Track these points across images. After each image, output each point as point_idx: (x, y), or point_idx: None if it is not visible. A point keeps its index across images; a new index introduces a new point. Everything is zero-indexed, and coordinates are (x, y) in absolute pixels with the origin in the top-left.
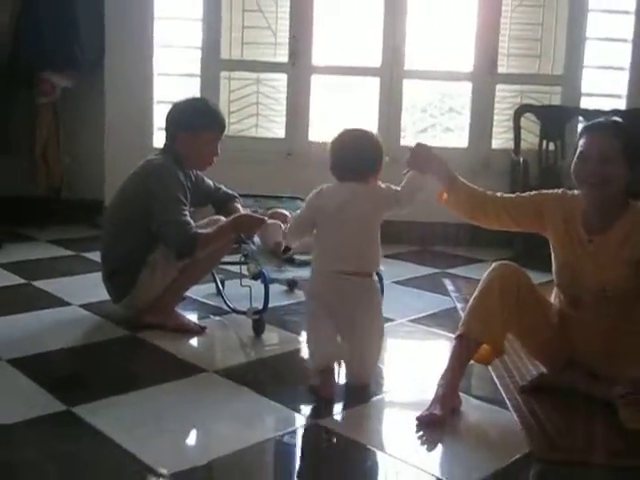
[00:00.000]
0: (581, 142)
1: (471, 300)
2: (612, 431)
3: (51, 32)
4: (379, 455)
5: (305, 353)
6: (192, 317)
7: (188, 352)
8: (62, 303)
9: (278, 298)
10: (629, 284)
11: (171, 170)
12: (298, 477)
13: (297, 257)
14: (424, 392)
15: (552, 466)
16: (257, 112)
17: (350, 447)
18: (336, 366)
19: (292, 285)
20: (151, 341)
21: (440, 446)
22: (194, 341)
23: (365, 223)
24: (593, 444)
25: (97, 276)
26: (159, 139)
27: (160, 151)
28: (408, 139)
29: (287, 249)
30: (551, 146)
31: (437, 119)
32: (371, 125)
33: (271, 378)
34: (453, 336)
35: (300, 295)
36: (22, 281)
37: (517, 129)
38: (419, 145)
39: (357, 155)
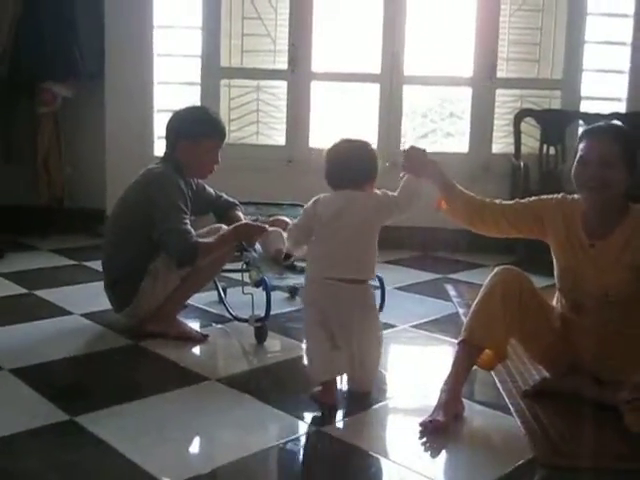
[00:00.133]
0: (581, 146)
1: (473, 305)
2: (616, 436)
3: (52, 42)
4: (382, 462)
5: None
6: (194, 325)
7: (190, 360)
8: (64, 312)
9: (280, 305)
10: (631, 288)
11: (172, 178)
12: None
13: (298, 264)
14: (427, 398)
15: (556, 471)
16: (257, 119)
17: (353, 454)
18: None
19: (294, 292)
20: (153, 350)
21: (443, 452)
22: (196, 349)
23: (361, 230)
24: (597, 449)
25: (99, 285)
26: (160, 148)
27: (161, 160)
28: (408, 145)
29: (288, 256)
30: (551, 150)
31: (437, 124)
32: (371, 131)
33: (274, 385)
34: (455, 342)
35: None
36: (24, 291)
37: (517, 133)
38: (413, 148)
39: (353, 165)
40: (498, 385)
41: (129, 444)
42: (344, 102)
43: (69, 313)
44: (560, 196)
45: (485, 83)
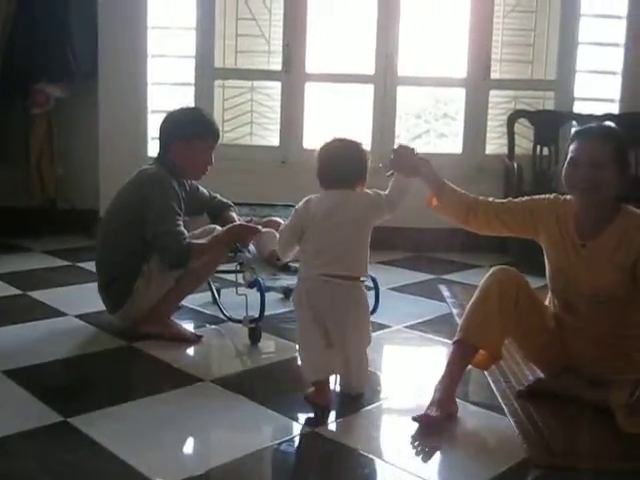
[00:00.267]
0: (572, 147)
1: (469, 305)
2: (609, 436)
3: (45, 42)
4: (377, 462)
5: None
6: (188, 326)
7: (184, 361)
8: (58, 314)
9: (274, 306)
10: (622, 289)
11: (166, 179)
12: None
13: (292, 264)
14: (421, 398)
15: (549, 472)
16: (251, 120)
17: (347, 455)
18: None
19: (287, 293)
20: (147, 351)
21: (437, 453)
22: (190, 350)
23: (354, 228)
24: (590, 449)
25: (93, 286)
26: (153, 148)
27: (154, 160)
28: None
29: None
30: (545, 151)
31: (431, 125)
32: (365, 132)
33: (268, 386)
34: (449, 342)
35: None
36: (17, 292)
37: (511, 134)
38: (402, 147)
39: (345, 165)
40: (492, 386)
41: (123, 445)
42: (338, 103)
43: (63, 314)
44: (553, 197)
45: (479, 84)
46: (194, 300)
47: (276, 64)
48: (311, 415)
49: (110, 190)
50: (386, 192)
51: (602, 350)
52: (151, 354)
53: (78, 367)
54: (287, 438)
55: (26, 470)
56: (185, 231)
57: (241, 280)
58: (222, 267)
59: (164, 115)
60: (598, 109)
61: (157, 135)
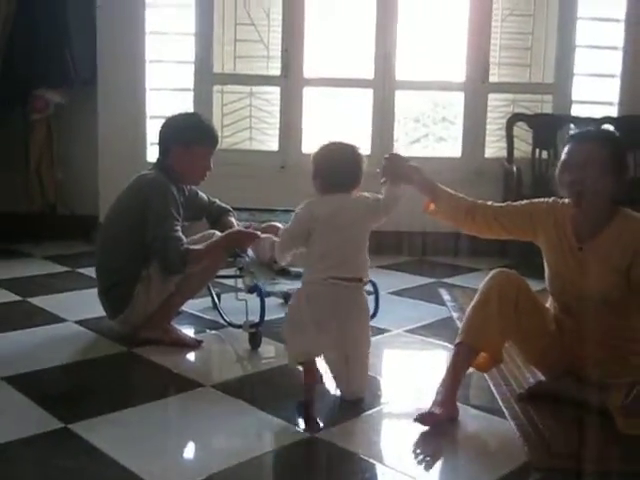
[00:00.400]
0: (564, 150)
1: (469, 308)
2: (609, 438)
3: (44, 49)
4: (378, 467)
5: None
6: (188, 331)
7: (185, 367)
8: (58, 320)
9: (274, 311)
10: (618, 292)
11: (164, 184)
12: None
13: (292, 269)
14: (421, 402)
15: (551, 474)
16: (250, 125)
17: (348, 460)
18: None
19: (287, 298)
20: (147, 357)
21: (439, 457)
22: (191, 356)
23: (356, 230)
24: (591, 452)
25: (93, 292)
26: (152, 154)
27: (153, 166)
28: (401, 150)
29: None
30: (544, 154)
31: (430, 129)
32: (364, 136)
33: (268, 391)
34: (450, 346)
35: None
36: (17, 298)
37: (510, 138)
38: (392, 155)
39: (342, 169)
40: (493, 389)
41: (123, 451)
42: (337, 108)
43: (63, 320)
44: (551, 200)
45: (477, 88)
46: (194, 305)
47: (275, 69)
48: (312, 420)
49: (109, 195)
50: (381, 197)
51: (601, 352)
52: (151, 360)
53: (78, 373)
54: (288, 443)
55: (26, 476)
56: (183, 236)
57: (241, 285)
58: (222, 272)
59: (163, 120)
60: (596, 112)
61: (156, 140)
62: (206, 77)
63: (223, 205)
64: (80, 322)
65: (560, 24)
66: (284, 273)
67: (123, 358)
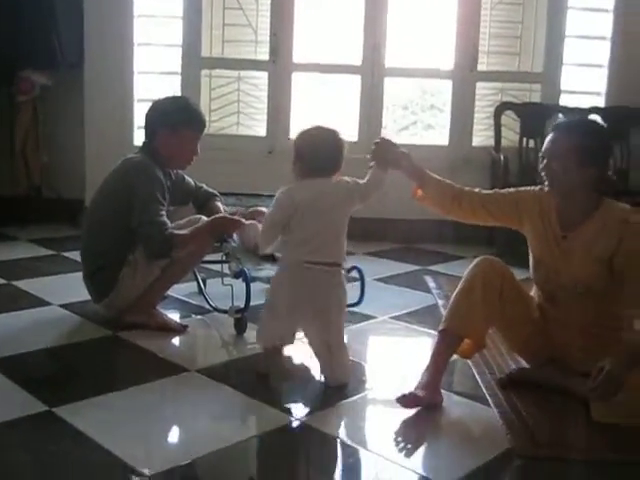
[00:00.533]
0: (546, 139)
1: (454, 295)
2: (593, 426)
3: (30, 30)
4: (362, 452)
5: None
6: (174, 316)
7: (170, 351)
8: (42, 303)
9: (259, 296)
10: (600, 281)
11: (150, 168)
12: (280, 475)
13: (277, 255)
14: (406, 389)
15: (533, 462)
16: (238, 110)
17: (332, 445)
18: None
19: None
20: (133, 341)
21: (422, 442)
22: (176, 340)
23: (336, 214)
24: (574, 440)
25: (78, 276)
26: (140, 137)
27: (139, 149)
28: (389, 137)
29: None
30: (531, 143)
31: (418, 116)
32: (352, 122)
33: (253, 376)
34: (434, 333)
35: None
36: (2, 281)
37: (497, 126)
38: (383, 139)
39: (324, 154)
40: (477, 376)
41: (108, 435)
42: (325, 93)
43: (48, 304)
44: (538, 188)
45: (466, 76)
46: (180, 290)
47: (263, 54)
48: (297, 405)
49: (96, 179)
50: (362, 182)
51: (585, 341)
52: (136, 344)
53: (63, 356)
54: (273, 428)
55: (10, 460)
56: (167, 221)
57: (227, 270)
58: (208, 257)
59: (150, 104)
60: (584, 102)
61: (143, 124)
62: (194, 61)
63: (210, 190)
64: (65, 306)
65: (550, 13)
66: (269, 259)
67: (108, 342)
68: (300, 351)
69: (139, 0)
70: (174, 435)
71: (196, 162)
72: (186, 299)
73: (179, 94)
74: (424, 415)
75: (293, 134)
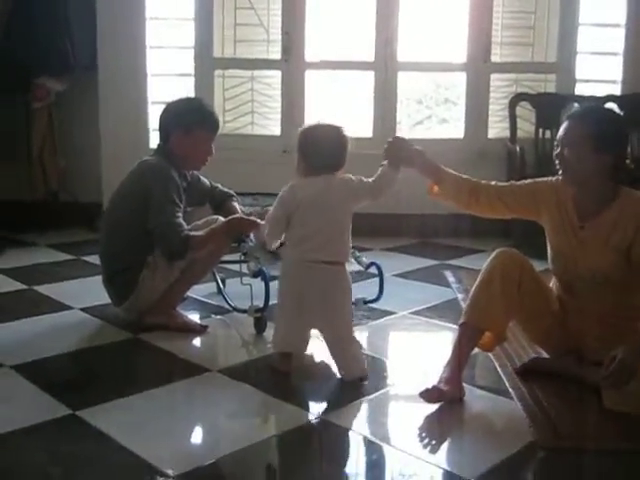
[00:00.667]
0: (561, 127)
1: (473, 288)
2: (615, 417)
3: (44, 37)
4: (385, 448)
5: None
6: (194, 317)
7: (191, 352)
8: (64, 307)
9: None
10: (618, 271)
11: (166, 170)
12: (304, 473)
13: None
14: (428, 384)
15: (557, 454)
16: (252, 110)
17: (356, 441)
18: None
19: None
20: (154, 342)
21: (445, 437)
22: (196, 341)
23: (340, 212)
24: (597, 431)
25: (97, 279)
26: (155, 140)
27: (154, 151)
28: (404, 132)
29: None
30: (547, 134)
31: (432, 110)
32: (366, 119)
33: (274, 375)
34: (455, 327)
35: None
36: (23, 286)
37: (513, 118)
38: (396, 138)
39: (328, 150)
40: (498, 369)
41: (131, 437)
42: (338, 90)
43: (69, 308)
44: (554, 179)
45: (479, 68)
46: (199, 291)
47: (275, 53)
48: (318, 402)
49: (113, 182)
50: (372, 179)
51: (602, 330)
52: (157, 345)
53: (85, 360)
54: (295, 426)
55: (36, 463)
56: (183, 222)
57: (245, 270)
58: (226, 257)
59: (164, 106)
60: (600, 91)
61: (157, 126)
62: (207, 62)
63: (226, 190)
64: (86, 309)
65: (563, 2)
66: None
67: (129, 344)
68: (320, 349)
69: (151, 3)
70: (197, 435)
71: (211, 162)
72: (206, 300)
73: (193, 95)
74: (446, 409)
75: None
